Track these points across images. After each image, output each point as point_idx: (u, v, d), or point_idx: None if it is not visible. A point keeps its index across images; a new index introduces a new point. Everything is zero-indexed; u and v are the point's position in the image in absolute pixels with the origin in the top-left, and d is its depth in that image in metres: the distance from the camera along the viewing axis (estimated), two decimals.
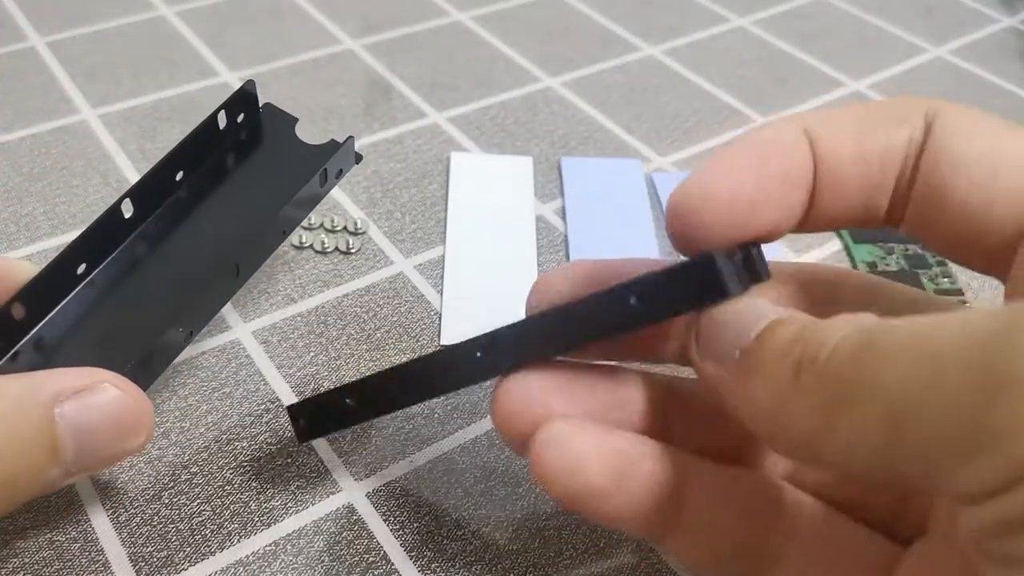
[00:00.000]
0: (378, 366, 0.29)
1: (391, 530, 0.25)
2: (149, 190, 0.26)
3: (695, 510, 0.19)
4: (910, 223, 0.20)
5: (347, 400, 0.23)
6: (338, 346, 0.30)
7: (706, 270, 0.18)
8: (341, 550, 0.25)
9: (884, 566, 0.20)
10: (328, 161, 0.27)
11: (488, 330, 0.20)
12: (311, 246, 0.34)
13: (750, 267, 0.19)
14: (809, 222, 0.20)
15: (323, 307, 0.31)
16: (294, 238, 0.34)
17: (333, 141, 0.28)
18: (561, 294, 0.22)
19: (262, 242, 0.27)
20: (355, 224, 0.34)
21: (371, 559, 0.24)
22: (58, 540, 0.24)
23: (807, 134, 0.20)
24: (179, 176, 0.27)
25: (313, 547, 0.25)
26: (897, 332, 0.15)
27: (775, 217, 0.19)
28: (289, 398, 0.28)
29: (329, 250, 0.33)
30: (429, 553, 0.25)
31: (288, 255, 0.33)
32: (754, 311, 0.18)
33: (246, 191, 0.27)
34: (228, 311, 0.31)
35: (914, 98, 0.20)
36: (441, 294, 0.32)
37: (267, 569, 0.24)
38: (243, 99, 0.28)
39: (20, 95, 0.40)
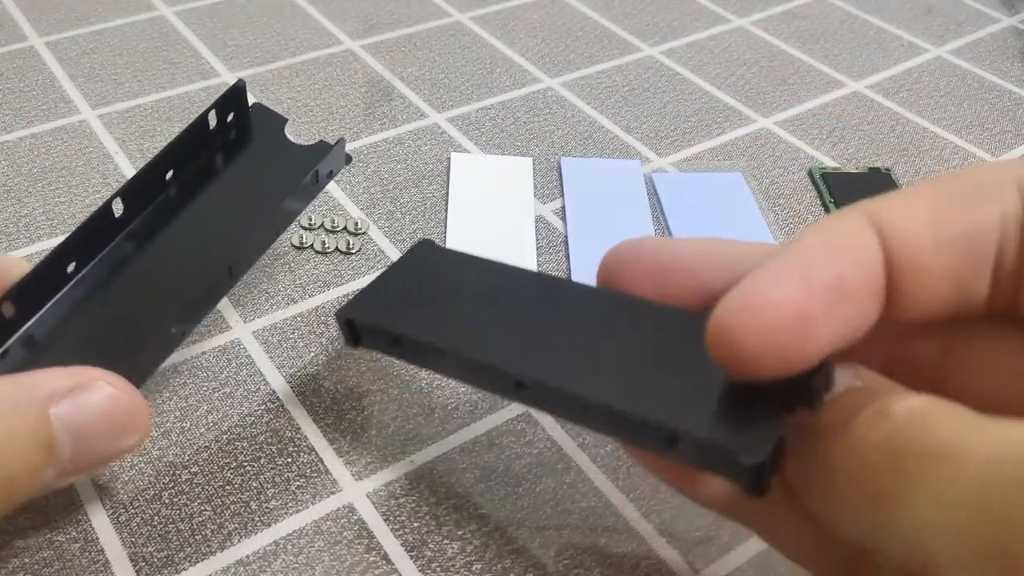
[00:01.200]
0: (378, 366, 0.29)
1: (391, 530, 0.25)
2: (140, 189, 0.26)
3: None
4: None
5: (396, 344, 0.24)
6: (338, 346, 0.30)
7: (738, 470, 0.17)
8: (341, 550, 0.25)
9: None
10: (319, 163, 0.28)
11: (535, 360, 0.21)
12: (311, 246, 0.34)
13: (808, 392, 0.17)
14: (892, 321, 0.18)
15: (323, 307, 0.31)
16: (294, 238, 0.34)
17: (323, 142, 0.28)
18: (627, 286, 0.21)
19: (254, 242, 0.27)
20: (355, 224, 0.34)
21: (371, 559, 0.24)
22: (58, 540, 0.24)
23: (874, 225, 0.17)
24: (169, 175, 0.27)
25: (313, 547, 0.25)
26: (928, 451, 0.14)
27: (836, 328, 0.17)
28: (289, 398, 0.28)
29: (329, 250, 0.33)
30: (429, 553, 0.25)
31: (288, 255, 0.33)
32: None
33: (236, 191, 0.27)
34: (228, 311, 0.31)
35: (997, 166, 0.18)
36: None
37: (267, 569, 0.24)
38: (233, 98, 0.28)
39: (20, 95, 0.40)
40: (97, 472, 0.26)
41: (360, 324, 0.24)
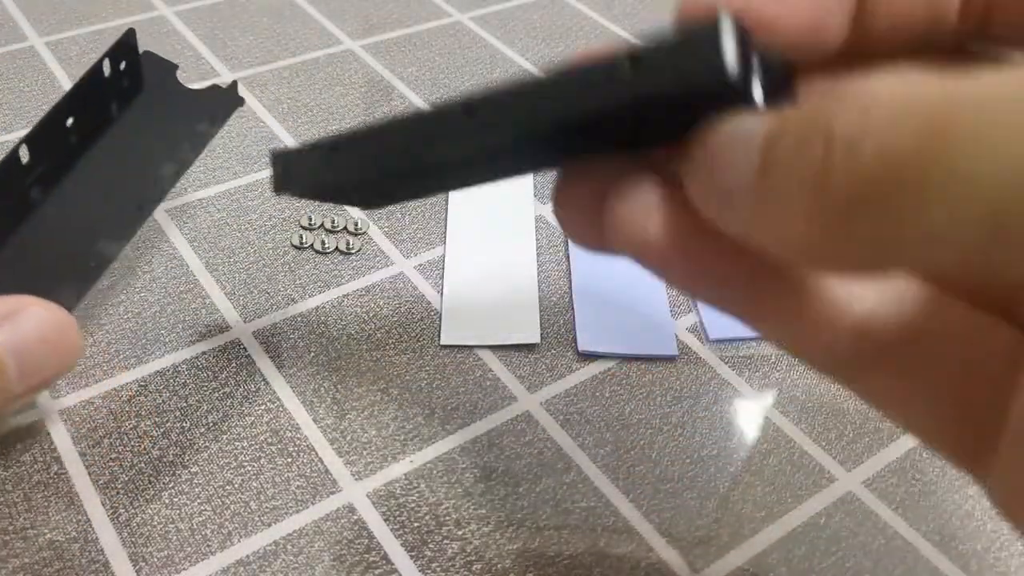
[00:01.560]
0: (378, 366, 0.29)
1: (391, 530, 0.25)
2: (44, 136, 0.27)
3: None
4: (998, 22, 0.15)
5: (325, 161, 0.21)
6: (338, 346, 0.30)
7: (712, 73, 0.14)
8: (341, 550, 0.25)
9: (1011, 356, 0.16)
10: (214, 104, 0.30)
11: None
12: (311, 246, 0.34)
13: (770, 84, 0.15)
14: (860, 35, 0.16)
15: (323, 307, 0.31)
16: (294, 238, 0.34)
17: (215, 85, 0.30)
18: None
19: (159, 181, 0.28)
20: (355, 224, 0.34)
21: (371, 559, 0.24)
22: (58, 540, 0.24)
23: None
24: (70, 122, 0.28)
25: (313, 547, 0.25)
26: (982, 99, 0.11)
27: (807, 17, 0.15)
28: (289, 398, 0.28)
29: (329, 250, 0.33)
30: (429, 553, 0.25)
31: (288, 255, 0.33)
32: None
33: (135, 135, 0.29)
34: (228, 311, 0.31)
35: None
36: (441, 294, 0.32)
37: (267, 569, 0.24)
38: (124, 47, 0.29)
39: (20, 95, 0.40)
40: (38, 394, 0.26)
41: (297, 154, 0.21)
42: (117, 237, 0.27)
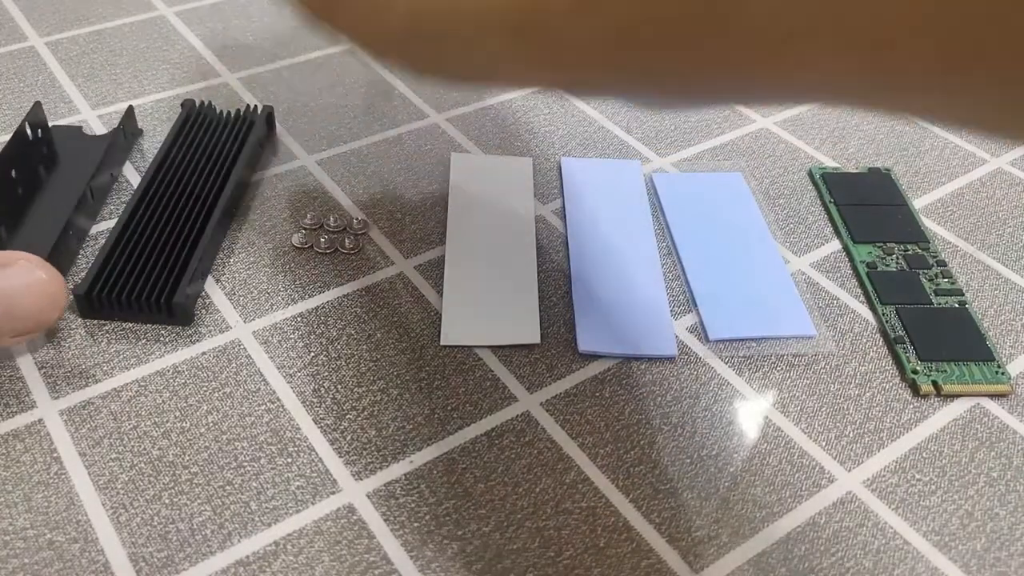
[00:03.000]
0: (378, 366, 0.29)
1: (391, 530, 0.25)
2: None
3: None
4: None
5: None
6: (338, 346, 0.30)
7: None
8: (341, 550, 0.25)
9: None
10: (120, 127, 0.36)
11: None
12: (311, 246, 0.34)
13: None
14: None
15: (323, 307, 0.31)
16: (295, 238, 0.34)
17: (114, 129, 0.36)
18: None
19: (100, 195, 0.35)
20: (355, 224, 0.34)
21: (371, 559, 0.24)
22: (58, 540, 0.24)
23: None
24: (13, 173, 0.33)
25: (313, 547, 0.25)
26: None
27: None
28: (289, 398, 0.28)
29: (329, 250, 0.33)
30: (429, 553, 0.25)
31: (288, 255, 0.33)
32: None
33: (56, 186, 0.34)
34: (228, 311, 0.31)
35: None
36: (441, 294, 0.32)
37: (267, 569, 0.24)
38: (35, 123, 0.35)
39: (20, 95, 0.40)
40: (27, 339, 0.27)
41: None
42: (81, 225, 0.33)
